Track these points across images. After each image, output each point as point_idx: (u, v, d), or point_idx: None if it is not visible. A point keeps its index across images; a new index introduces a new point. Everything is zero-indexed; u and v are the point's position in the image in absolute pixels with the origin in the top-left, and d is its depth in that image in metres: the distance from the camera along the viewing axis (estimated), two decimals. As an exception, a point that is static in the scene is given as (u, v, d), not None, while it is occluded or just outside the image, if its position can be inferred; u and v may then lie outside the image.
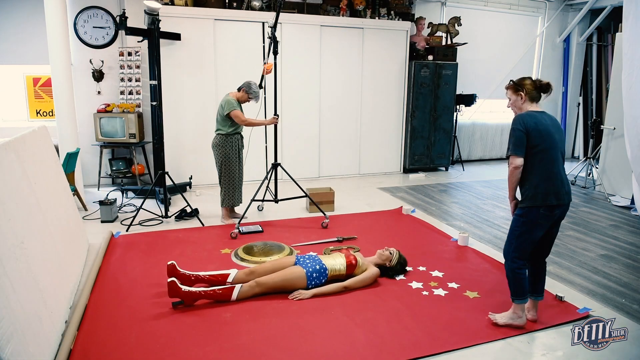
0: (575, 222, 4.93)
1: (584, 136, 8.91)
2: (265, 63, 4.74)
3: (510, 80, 2.76)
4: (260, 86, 4.71)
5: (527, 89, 2.67)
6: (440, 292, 3.22)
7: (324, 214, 4.68)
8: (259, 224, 4.58)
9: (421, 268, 3.63)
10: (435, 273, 3.54)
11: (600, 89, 8.73)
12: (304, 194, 4.88)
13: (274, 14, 6.12)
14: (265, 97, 4.87)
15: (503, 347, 2.59)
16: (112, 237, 4.18)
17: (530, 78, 2.73)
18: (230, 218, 4.76)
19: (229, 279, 3.15)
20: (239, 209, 4.91)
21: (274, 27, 4.41)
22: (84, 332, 2.62)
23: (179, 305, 2.94)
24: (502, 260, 3.77)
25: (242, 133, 4.66)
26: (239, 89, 4.57)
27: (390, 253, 3.47)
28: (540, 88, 2.68)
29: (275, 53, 4.45)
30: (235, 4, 6.12)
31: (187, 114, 6.09)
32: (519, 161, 2.57)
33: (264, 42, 6.23)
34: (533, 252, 2.74)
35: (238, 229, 4.32)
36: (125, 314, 2.85)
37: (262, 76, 4.80)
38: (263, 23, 6.19)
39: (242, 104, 4.54)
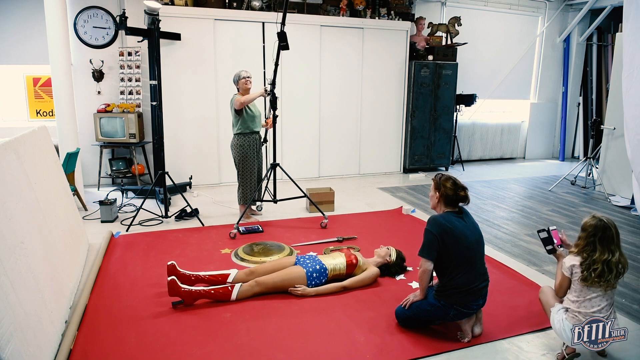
0: (575, 222, 4.93)
1: (584, 136, 8.91)
2: (267, 117, 4.77)
3: (439, 173, 2.71)
4: (265, 140, 4.83)
5: (444, 191, 2.60)
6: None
7: (323, 214, 4.68)
8: (259, 224, 4.58)
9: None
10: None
11: (600, 89, 8.73)
12: (304, 194, 4.87)
13: (274, 14, 6.17)
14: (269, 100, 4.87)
15: (503, 347, 2.59)
16: (112, 237, 4.18)
17: (454, 182, 2.62)
18: (249, 215, 4.90)
19: (229, 279, 3.15)
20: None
21: (272, 84, 4.41)
22: (84, 332, 2.62)
23: (179, 304, 2.94)
24: (503, 261, 3.79)
25: (260, 132, 4.72)
26: (237, 88, 4.60)
27: (388, 249, 3.50)
28: (457, 197, 2.59)
29: (275, 109, 4.47)
30: (235, 4, 6.12)
31: (187, 114, 6.09)
32: (429, 265, 2.52)
33: (264, 42, 6.23)
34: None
35: (237, 229, 4.32)
36: (125, 313, 2.85)
37: (266, 131, 4.87)
38: (263, 23, 6.19)
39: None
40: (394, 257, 3.46)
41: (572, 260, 2.42)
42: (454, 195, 2.60)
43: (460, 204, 2.64)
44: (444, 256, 2.52)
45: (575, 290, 2.39)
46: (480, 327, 2.69)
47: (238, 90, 4.60)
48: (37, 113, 6.15)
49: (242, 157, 4.59)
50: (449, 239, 2.49)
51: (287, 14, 6.20)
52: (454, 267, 2.52)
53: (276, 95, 4.45)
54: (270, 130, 4.69)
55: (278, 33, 4.27)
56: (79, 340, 2.54)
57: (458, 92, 7.62)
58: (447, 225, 2.51)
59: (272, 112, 4.59)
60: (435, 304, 2.58)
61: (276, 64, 4.43)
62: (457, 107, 7.70)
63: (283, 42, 4.27)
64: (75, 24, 5.81)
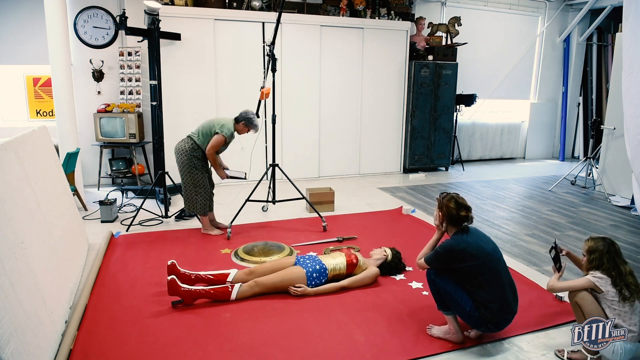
0: (575, 222, 4.93)
1: (584, 136, 8.91)
2: (262, 87, 4.47)
3: (443, 193, 2.65)
4: (257, 115, 4.49)
5: (446, 211, 2.55)
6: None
7: (321, 217, 4.61)
8: (244, 172, 4.37)
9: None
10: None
11: (600, 89, 8.73)
12: (302, 196, 4.80)
13: (274, 14, 6.17)
14: (265, 112, 4.86)
15: (503, 347, 2.59)
16: (112, 237, 4.18)
17: (456, 201, 2.55)
18: (213, 227, 4.42)
19: (229, 279, 3.15)
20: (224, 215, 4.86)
21: (272, 44, 4.33)
22: (84, 332, 2.62)
23: (179, 304, 2.94)
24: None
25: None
26: (237, 120, 4.19)
27: (383, 249, 3.54)
28: (459, 217, 2.53)
29: (274, 71, 4.36)
30: (235, 4, 6.12)
31: (187, 114, 6.09)
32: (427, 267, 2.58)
33: (264, 42, 6.23)
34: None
35: (229, 229, 4.29)
36: (125, 313, 2.85)
37: (259, 102, 4.64)
38: (263, 23, 6.19)
39: (235, 136, 4.21)
40: (390, 255, 3.48)
41: (596, 279, 2.36)
42: (456, 215, 2.54)
43: (465, 224, 2.57)
44: (470, 276, 2.46)
45: (614, 311, 2.32)
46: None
47: (237, 123, 4.17)
48: (37, 113, 6.15)
49: (192, 165, 4.13)
50: (466, 258, 2.44)
51: (287, 14, 6.25)
52: (483, 280, 2.45)
53: (276, 57, 4.35)
54: (270, 130, 4.67)
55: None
56: (79, 340, 2.54)
57: (458, 92, 7.62)
58: (458, 247, 2.46)
59: (264, 82, 4.39)
60: (471, 313, 2.48)
61: (278, 21, 4.31)
62: (457, 107, 7.70)
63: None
64: (75, 24, 5.81)
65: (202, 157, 4.20)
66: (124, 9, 5.50)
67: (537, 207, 5.54)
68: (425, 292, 3.21)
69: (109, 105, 5.90)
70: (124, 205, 5.19)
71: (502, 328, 2.56)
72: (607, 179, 6.24)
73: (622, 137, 5.27)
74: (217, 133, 4.08)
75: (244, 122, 4.20)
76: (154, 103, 4.98)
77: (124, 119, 5.76)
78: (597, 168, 6.45)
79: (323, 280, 3.20)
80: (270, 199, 4.77)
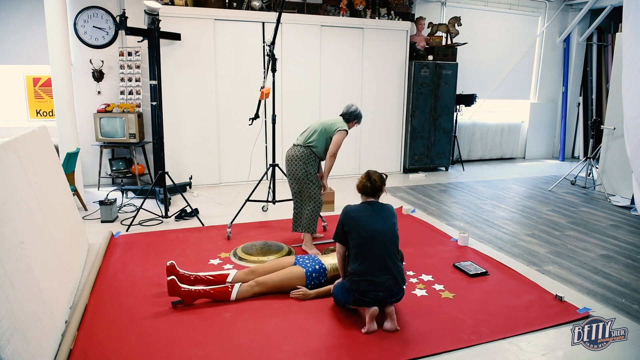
0: (575, 222, 4.93)
1: (584, 136, 8.91)
2: (262, 87, 4.41)
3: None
4: (256, 116, 4.48)
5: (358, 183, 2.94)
6: (440, 292, 3.22)
7: (321, 217, 4.62)
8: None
9: (419, 272, 3.63)
10: (433, 276, 3.54)
11: (600, 89, 8.73)
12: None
13: (274, 14, 6.17)
14: (265, 112, 4.86)
15: (503, 346, 2.59)
16: (112, 237, 4.18)
17: (367, 174, 2.90)
18: (313, 246, 4.03)
19: (229, 279, 3.15)
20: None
21: (272, 44, 4.33)
22: (84, 332, 2.62)
23: (179, 304, 2.94)
24: (503, 261, 3.78)
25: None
26: (349, 120, 4.08)
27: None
28: (362, 186, 2.92)
29: (274, 71, 4.37)
30: (235, 4, 6.12)
31: (187, 114, 6.09)
32: (339, 248, 2.95)
33: (264, 42, 6.23)
34: None
35: (229, 229, 4.29)
36: (125, 314, 2.85)
37: (259, 102, 4.58)
38: (263, 23, 6.19)
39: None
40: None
41: None
42: (361, 185, 2.89)
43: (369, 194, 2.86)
44: (349, 242, 2.79)
45: None
46: (392, 323, 2.69)
47: (347, 122, 4.06)
48: (37, 113, 6.15)
49: (307, 174, 4.00)
50: (350, 226, 2.75)
51: (287, 14, 6.25)
52: (356, 253, 2.73)
53: (276, 56, 4.35)
54: (270, 130, 4.67)
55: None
56: (79, 340, 2.54)
57: (458, 92, 7.62)
58: (351, 213, 2.78)
59: (264, 82, 4.40)
60: (344, 286, 2.80)
61: (278, 21, 4.32)
62: (457, 107, 7.69)
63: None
64: (75, 24, 5.81)
65: (315, 165, 4.05)
66: (124, 9, 5.51)
67: (537, 207, 5.54)
68: (425, 293, 3.21)
69: (109, 105, 5.90)
70: (124, 205, 5.19)
71: (369, 299, 2.68)
72: (607, 179, 6.24)
73: (622, 137, 5.27)
74: (339, 130, 3.93)
75: (356, 121, 4.14)
76: (154, 103, 4.98)
77: (124, 119, 5.76)
78: (597, 168, 6.45)
79: (323, 280, 3.20)
80: (270, 199, 4.77)
